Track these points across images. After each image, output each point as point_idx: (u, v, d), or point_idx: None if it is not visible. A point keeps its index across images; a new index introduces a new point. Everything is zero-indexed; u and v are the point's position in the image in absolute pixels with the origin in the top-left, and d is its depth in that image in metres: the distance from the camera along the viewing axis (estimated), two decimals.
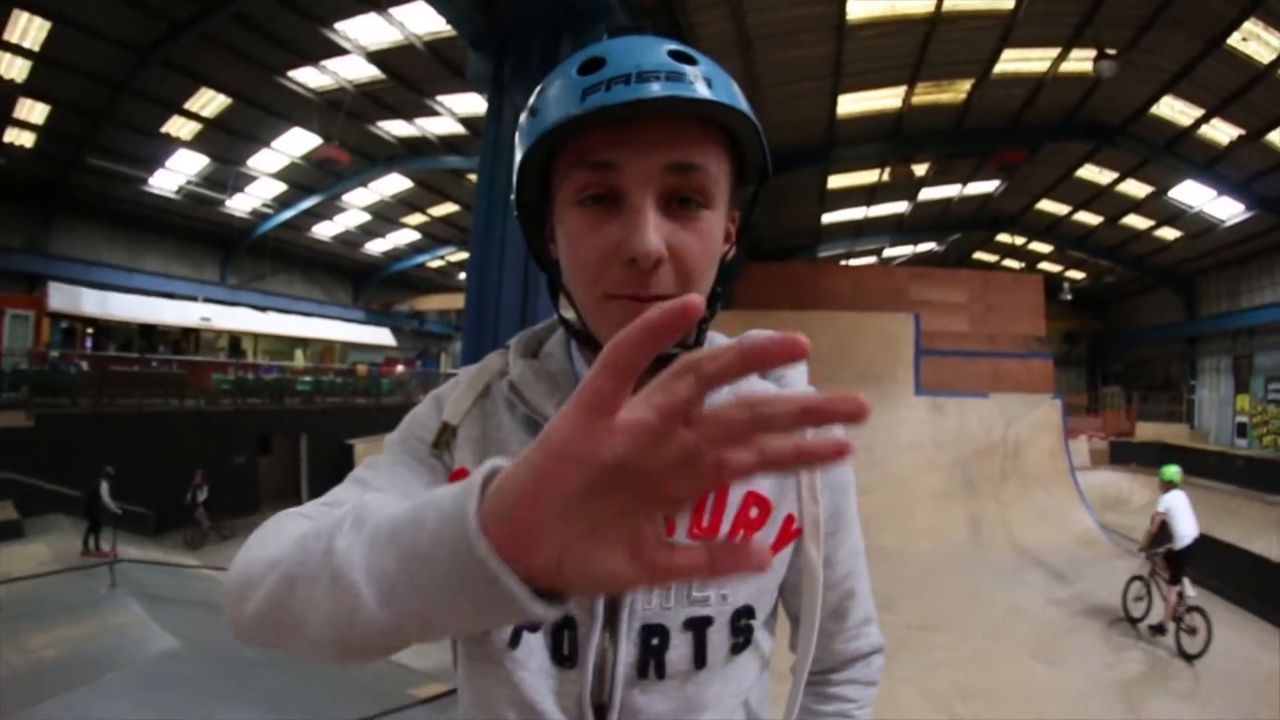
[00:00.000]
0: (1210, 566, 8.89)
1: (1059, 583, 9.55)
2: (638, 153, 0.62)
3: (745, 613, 0.72)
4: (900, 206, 19.58)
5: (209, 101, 13.77)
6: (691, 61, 0.63)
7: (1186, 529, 7.01)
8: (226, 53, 11.96)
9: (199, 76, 12.79)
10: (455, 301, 27.67)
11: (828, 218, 19.15)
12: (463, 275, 27.55)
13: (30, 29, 10.72)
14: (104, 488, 11.07)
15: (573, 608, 0.69)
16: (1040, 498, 12.00)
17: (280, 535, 0.58)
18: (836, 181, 16.57)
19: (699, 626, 0.70)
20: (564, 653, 0.70)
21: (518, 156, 0.68)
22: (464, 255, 24.93)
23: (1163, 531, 7.15)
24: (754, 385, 0.76)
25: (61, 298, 17.04)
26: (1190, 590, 6.96)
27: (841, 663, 0.87)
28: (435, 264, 26.79)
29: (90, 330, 18.53)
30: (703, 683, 0.71)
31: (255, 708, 6.01)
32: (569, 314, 0.74)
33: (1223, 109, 12.56)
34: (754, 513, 0.73)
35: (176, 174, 16.64)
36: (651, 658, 0.69)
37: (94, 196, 16.98)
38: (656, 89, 0.59)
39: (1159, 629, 7.23)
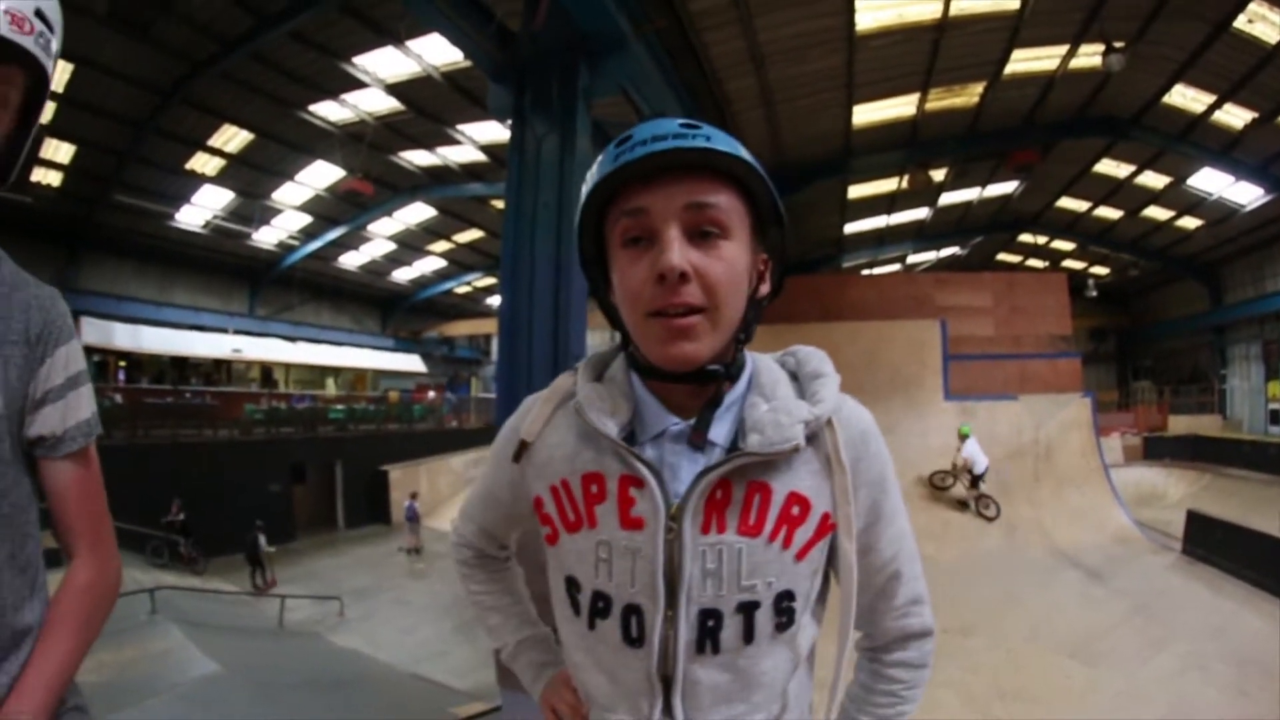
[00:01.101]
0: (1248, 558, 8.74)
1: (1095, 582, 9.45)
2: (661, 198, 0.80)
3: (787, 596, 0.83)
4: (921, 213, 19.55)
5: (231, 137, 14.11)
6: (696, 127, 0.81)
7: (980, 463, 11.21)
8: (247, 90, 12.27)
9: (221, 114, 13.13)
10: (484, 326, 28.02)
11: (850, 228, 19.18)
12: (490, 300, 27.82)
13: (55, 71, 11.12)
14: (261, 539, 13.38)
15: (638, 595, 0.82)
16: (1074, 497, 11.88)
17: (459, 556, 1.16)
18: (856, 191, 16.63)
19: (748, 609, 0.82)
20: (632, 635, 0.84)
21: (576, 217, 0.89)
22: (490, 280, 25.25)
23: (966, 467, 11.36)
24: (788, 403, 0.85)
25: (94, 332, 17.39)
26: (984, 487, 11.33)
27: (892, 641, 0.95)
28: (462, 290, 27.03)
29: (123, 364, 18.90)
30: (752, 656, 0.83)
31: None
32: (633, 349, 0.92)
33: (1234, 93, 12.43)
34: (795, 510, 0.83)
35: (202, 209, 17.01)
36: (707, 637, 0.82)
37: (121, 233, 17.39)
38: (663, 145, 0.78)
39: (965, 504, 11.48)
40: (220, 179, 15.69)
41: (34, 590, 0.97)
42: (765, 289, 0.90)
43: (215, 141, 14.20)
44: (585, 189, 0.84)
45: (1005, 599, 9.11)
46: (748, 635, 0.82)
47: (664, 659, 0.82)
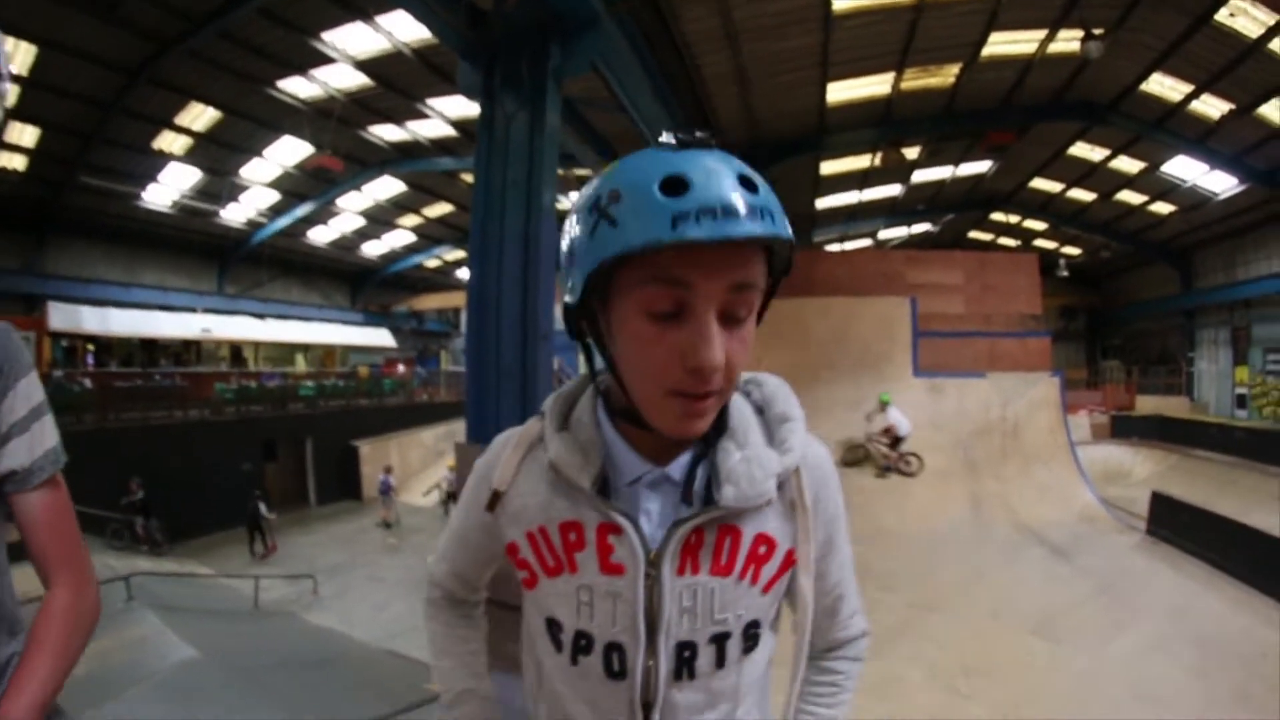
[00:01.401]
0: (1210, 540, 8.95)
1: (1060, 559, 9.67)
2: (709, 275, 0.71)
3: (754, 624, 0.90)
4: (894, 189, 19.62)
5: (199, 115, 13.79)
6: (755, 189, 0.71)
7: (904, 426, 11.59)
8: (215, 67, 11.97)
9: (188, 92, 12.81)
10: (453, 300, 27.85)
11: (821, 203, 19.21)
12: (459, 273, 27.67)
13: (17, 54, 10.76)
14: (262, 506, 13.92)
15: (620, 634, 0.86)
16: (1041, 475, 12.11)
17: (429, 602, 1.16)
18: (829, 168, 16.63)
19: (720, 639, 0.88)
20: (614, 669, 0.87)
21: (586, 256, 0.74)
22: (460, 254, 25.11)
23: (889, 432, 11.71)
24: (760, 452, 0.87)
25: (61, 317, 17.14)
26: (905, 448, 11.72)
27: (834, 645, 1.06)
28: (432, 264, 26.85)
29: (91, 347, 18.62)
30: (723, 677, 0.89)
31: (275, 711, 6.13)
32: (607, 388, 0.91)
33: (1212, 84, 12.56)
34: (762, 550, 0.88)
35: (169, 188, 16.69)
36: (684, 666, 0.87)
37: (88, 214, 17.03)
38: (737, 228, 0.68)
39: (886, 469, 11.77)
40: (188, 157, 15.35)
41: (13, 624, 1.00)
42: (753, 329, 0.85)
43: (182, 120, 13.85)
44: (610, 236, 0.71)
45: (970, 575, 9.29)
46: (720, 661, 0.88)
47: (645, 688, 0.87)
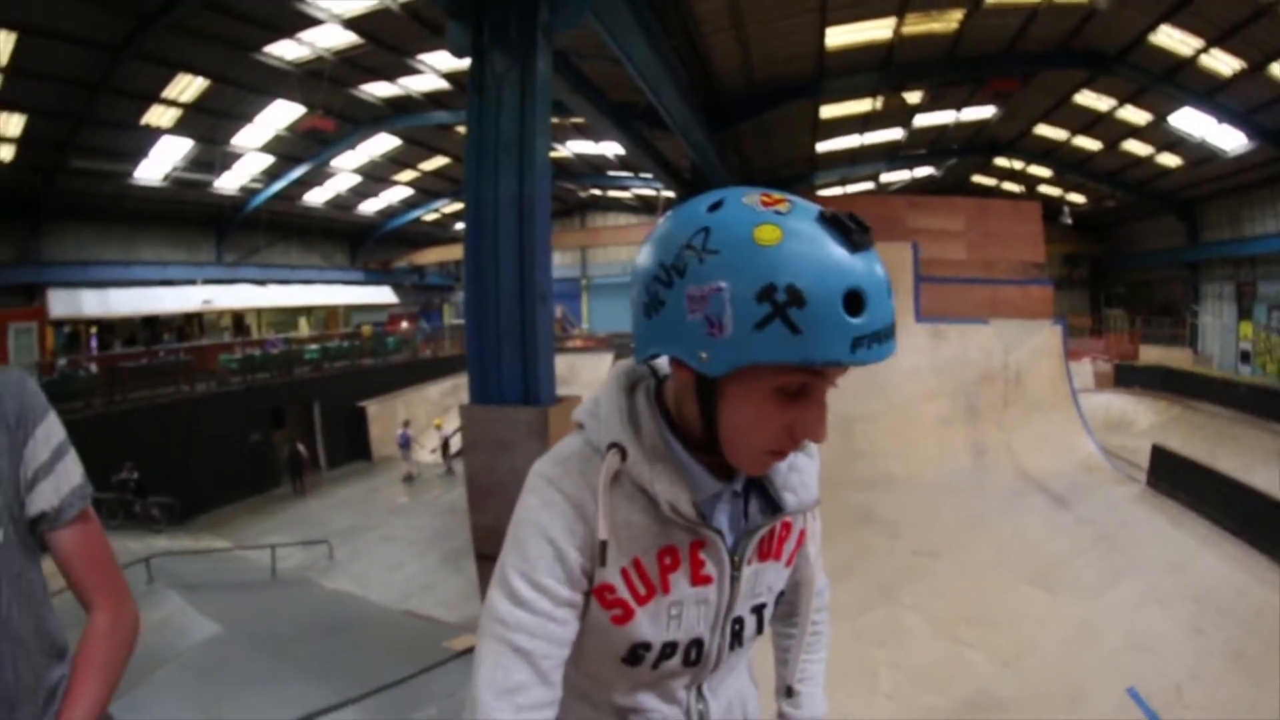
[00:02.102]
0: (1210, 496, 8.91)
1: (1061, 508, 9.76)
2: (837, 373, 0.77)
3: (780, 592, 1.03)
4: (896, 133, 19.27)
5: (187, 86, 13.56)
6: (891, 295, 0.74)
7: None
8: (199, 38, 11.74)
9: (174, 64, 12.60)
10: (454, 253, 27.64)
11: (822, 146, 18.88)
12: (458, 225, 27.59)
13: None
14: (300, 448, 15.80)
15: (701, 629, 0.94)
16: (1042, 423, 12.15)
17: None
18: (829, 111, 16.30)
19: (759, 609, 1.00)
20: (691, 659, 0.95)
21: (751, 349, 0.72)
22: (458, 206, 24.96)
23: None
24: (799, 460, 0.99)
25: (61, 304, 17.13)
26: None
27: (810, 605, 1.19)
28: (430, 217, 26.76)
29: (94, 330, 18.61)
30: (754, 639, 1.03)
31: (301, 682, 6.26)
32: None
33: (1223, 40, 12.21)
34: (785, 533, 1.00)
35: (162, 162, 16.52)
36: (735, 638, 0.98)
37: (81, 197, 16.88)
38: (893, 349, 0.74)
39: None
40: (178, 129, 15.18)
41: (60, 651, 1.08)
42: None
43: (170, 93, 13.65)
44: (792, 343, 0.70)
45: (972, 522, 9.41)
46: (759, 627, 1.01)
47: (715, 665, 0.99)
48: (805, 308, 0.69)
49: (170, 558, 9.96)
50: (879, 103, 15.83)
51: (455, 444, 16.83)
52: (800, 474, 0.97)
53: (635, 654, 0.91)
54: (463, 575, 10.14)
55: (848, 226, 0.73)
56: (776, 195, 0.77)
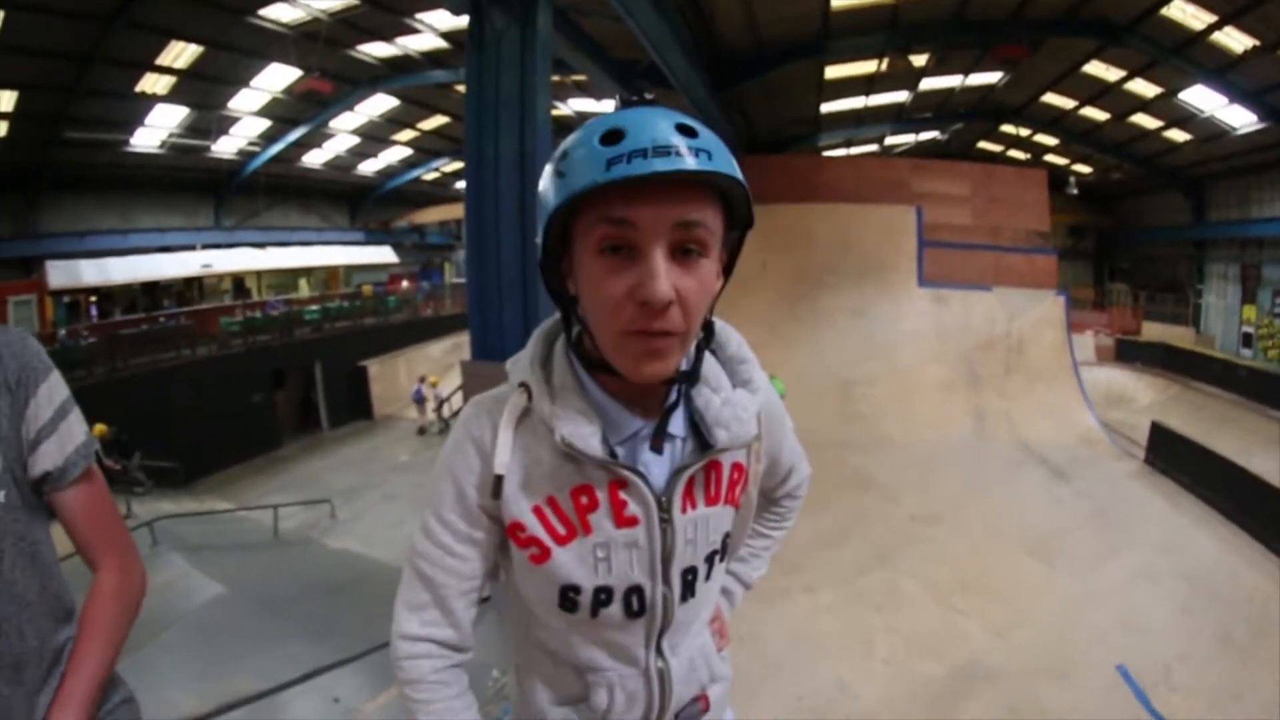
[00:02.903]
0: (1206, 477, 8.97)
1: (1059, 481, 9.79)
2: (650, 213, 0.75)
3: (727, 535, 1.00)
4: (901, 96, 18.87)
5: (180, 53, 13.32)
6: (693, 134, 0.76)
7: None
8: (191, 3, 11.51)
9: (167, 31, 12.37)
10: (454, 212, 27.48)
11: (826, 107, 18.53)
12: (459, 185, 27.32)
13: None
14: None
15: (636, 574, 0.92)
16: (1043, 393, 12.15)
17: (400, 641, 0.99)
18: (834, 72, 15.99)
19: (710, 557, 0.97)
20: (634, 609, 0.94)
21: (544, 209, 0.81)
22: (458, 165, 24.56)
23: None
24: (735, 395, 0.94)
25: (60, 274, 17.05)
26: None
27: (786, 493, 1.25)
28: (430, 176, 26.42)
29: (94, 299, 18.53)
30: (709, 587, 1.01)
31: (303, 640, 6.36)
32: (581, 340, 0.91)
33: (1237, 17, 11.94)
34: (735, 475, 0.97)
35: (157, 129, 16.30)
36: (687, 589, 0.96)
37: (77, 168, 16.69)
38: (666, 163, 0.72)
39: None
40: (173, 96, 14.91)
41: (66, 613, 1.07)
42: (719, 284, 0.88)
43: (164, 60, 13.39)
44: (559, 185, 0.78)
45: (971, 490, 9.45)
46: (709, 575, 0.99)
47: (663, 617, 0.96)
48: (568, 157, 0.78)
49: (174, 520, 10.04)
50: (884, 64, 15.51)
51: (455, 403, 16.90)
52: (734, 408, 0.92)
53: (567, 598, 0.91)
54: None
55: (628, 99, 0.77)
56: None
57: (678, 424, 0.92)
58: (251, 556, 9.74)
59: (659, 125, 0.75)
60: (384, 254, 27.22)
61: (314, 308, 20.39)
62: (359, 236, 26.92)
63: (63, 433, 1.04)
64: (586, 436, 0.86)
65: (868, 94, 17.99)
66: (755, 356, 1.01)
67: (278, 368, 17.52)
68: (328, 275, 25.62)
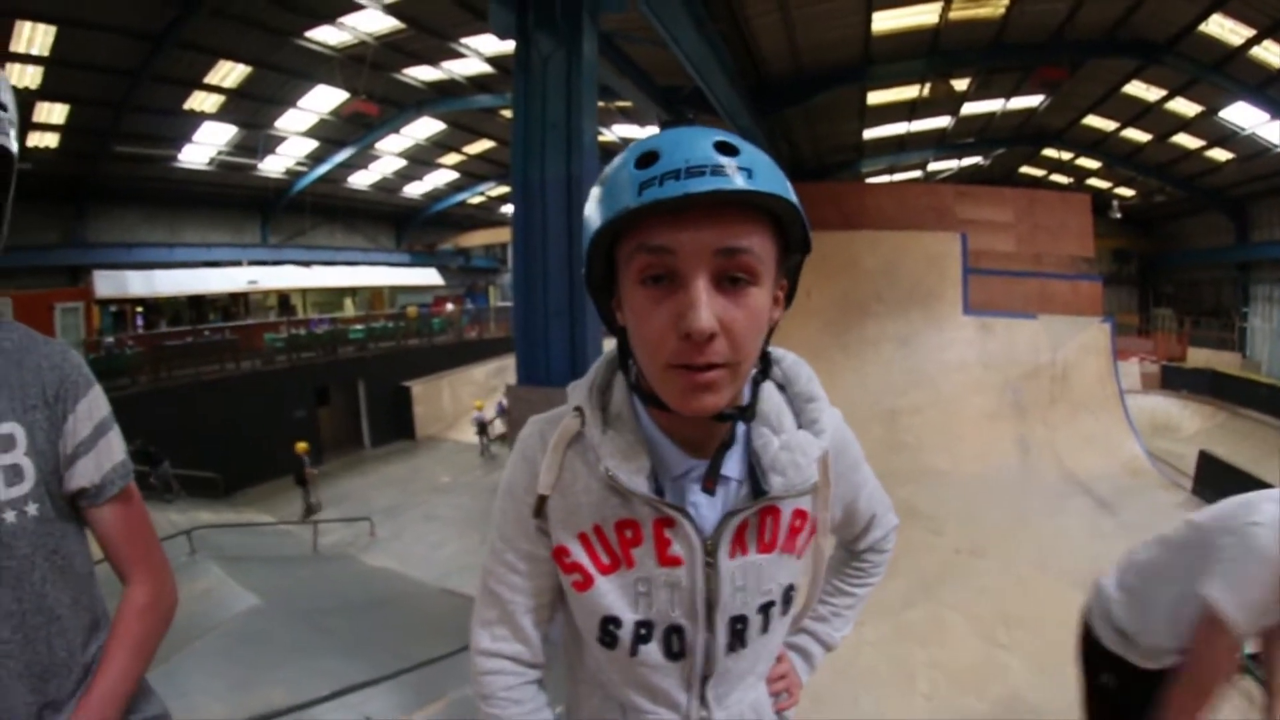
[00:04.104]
0: None
1: (1105, 512, 9.52)
2: (690, 239, 0.71)
3: (791, 587, 0.95)
4: (943, 121, 18.84)
5: (229, 73, 13.74)
6: (734, 152, 0.71)
7: None
8: (240, 23, 11.87)
9: (215, 50, 12.78)
10: (499, 236, 27.80)
11: (869, 133, 18.59)
12: (504, 209, 27.67)
13: (36, 36, 10.87)
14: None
15: (680, 618, 0.89)
16: (1088, 423, 11.85)
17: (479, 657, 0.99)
18: (876, 98, 16.01)
19: (766, 608, 0.92)
20: (674, 650, 0.91)
21: (586, 235, 0.78)
22: (504, 189, 25.10)
23: None
24: (797, 438, 0.89)
25: (107, 284, 17.52)
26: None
27: (870, 546, 1.17)
28: (475, 200, 26.79)
29: (140, 309, 19.02)
30: (765, 640, 0.95)
31: (337, 655, 6.34)
32: (638, 374, 0.87)
33: (1275, 31, 11.74)
34: (798, 523, 0.92)
35: (205, 146, 16.77)
36: (736, 638, 0.92)
37: (125, 181, 17.24)
38: (701, 184, 0.68)
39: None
40: (221, 115, 15.40)
41: (98, 626, 1.08)
42: (779, 314, 0.84)
43: (212, 79, 13.85)
44: (596, 211, 0.75)
45: (1016, 521, 9.22)
46: (765, 627, 0.93)
47: (705, 663, 0.92)
48: (607, 182, 0.75)
49: (212, 530, 10.17)
50: (926, 89, 15.49)
51: (496, 428, 16.98)
52: (793, 452, 0.87)
53: (608, 630, 0.90)
54: None
55: (666, 120, 0.73)
56: None
57: (733, 465, 0.88)
58: (289, 569, 9.81)
59: (696, 144, 0.71)
60: (429, 276, 27.53)
61: (359, 327, 20.68)
62: (405, 258, 27.27)
63: (101, 450, 1.05)
64: (632, 472, 0.84)
65: (909, 119, 17.97)
66: (824, 395, 0.95)
67: (321, 385, 17.76)
68: (372, 295, 25.97)
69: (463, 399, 19.79)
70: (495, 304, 29.17)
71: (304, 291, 23.62)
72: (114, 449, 1.07)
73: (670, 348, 0.73)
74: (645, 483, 0.84)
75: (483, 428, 17.07)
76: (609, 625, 0.90)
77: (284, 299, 23.38)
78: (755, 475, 0.88)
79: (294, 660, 6.17)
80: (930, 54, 13.58)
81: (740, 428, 0.88)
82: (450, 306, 26.72)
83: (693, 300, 0.71)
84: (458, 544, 11.55)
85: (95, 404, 1.05)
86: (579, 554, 0.89)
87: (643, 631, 0.89)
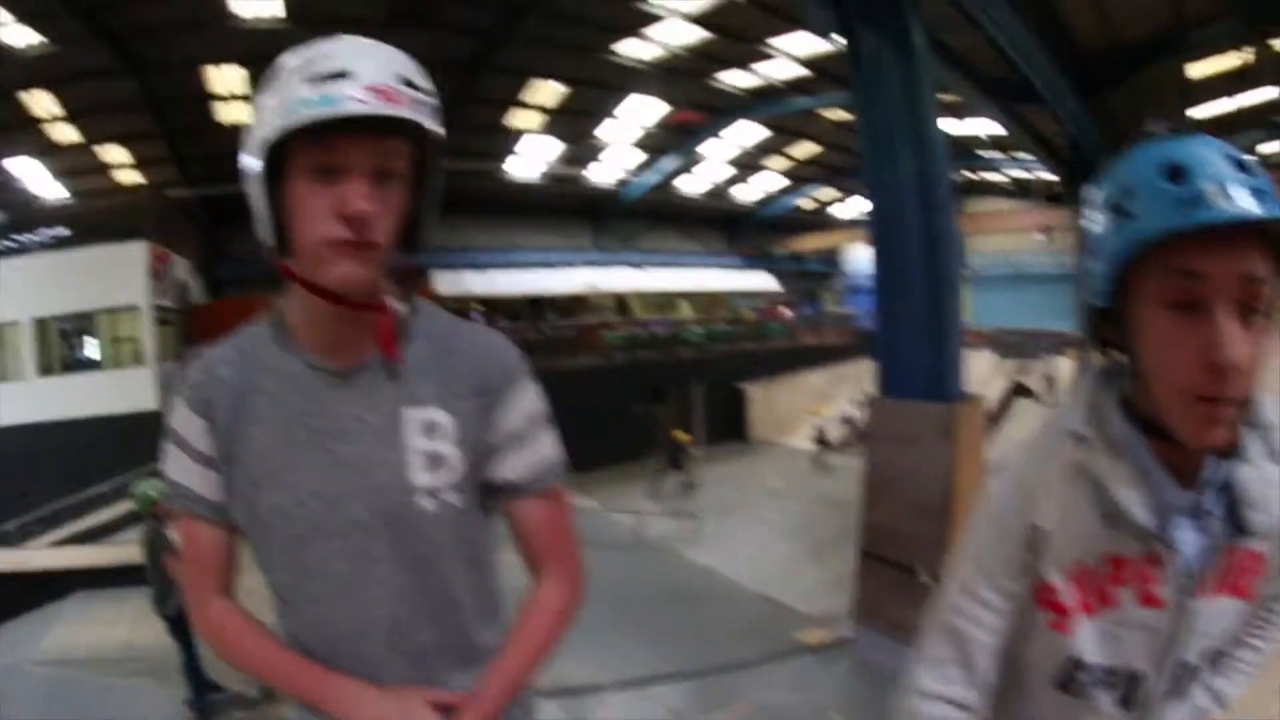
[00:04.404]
0: None
1: None
2: (1221, 265, 0.69)
3: (1238, 636, 0.90)
4: (1271, 93, 13.91)
5: (546, 91, 15.05)
6: (1249, 171, 0.69)
7: None
8: (548, 46, 12.92)
9: (528, 71, 14.05)
10: (831, 240, 27.59)
11: (1193, 113, 14.48)
12: (833, 211, 27.75)
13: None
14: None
15: (1141, 661, 0.85)
16: None
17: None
18: (1196, 70, 12.40)
19: (1215, 657, 0.88)
20: (1128, 700, 0.86)
21: (1101, 251, 0.76)
22: (833, 192, 25.17)
23: None
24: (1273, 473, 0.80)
25: (446, 283, 20.09)
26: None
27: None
28: (806, 204, 26.67)
29: (480, 307, 21.33)
30: (1203, 694, 0.90)
31: (642, 644, 6.52)
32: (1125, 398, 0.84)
33: None
34: (1249, 563, 0.83)
35: (529, 159, 18.52)
36: (1177, 685, 0.87)
37: (456, 194, 19.64)
38: (1248, 209, 0.66)
39: None
40: (542, 129, 16.89)
41: (495, 616, 1.07)
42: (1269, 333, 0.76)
43: (528, 97, 15.25)
44: (1123, 226, 0.72)
45: None
46: (1207, 677, 0.89)
47: (1150, 714, 0.87)
48: (1131, 193, 0.72)
49: None
50: (1249, 55, 11.52)
51: (837, 438, 16.64)
52: (1272, 487, 0.81)
53: (1069, 674, 0.87)
54: (825, 569, 9.56)
55: (1170, 126, 0.58)
56: None
57: (1211, 499, 0.82)
58: (608, 555, 10.23)
59: (1215, 160, 0.69)
60: (763, 280, 27.91)
61: (696, 329, 21.56)
62: (736, 262, 27.82)
63: (531, 445, 1.02)
64: (1141, 506, 0.80)
65: (1233, 93, 13.55)
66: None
67: (657, 383, 18.68)
68: (708, 298, 26.85)
69: (797, 404, 19.52)
70: (830, 308, 28.92)
71: (639, 294, 25.05)
72: (544, 445, 1.04)
73: (1193, 378, 0.71)
74: (1147, 516, 0.80)
75: (821, 437, 16.66)
76: (1073, 669, 0.86)
77: (620, 300, 25.01)
78: (1232, 512, 0.81)
79: (596, 642, 6.38)
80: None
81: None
82: (785, 311, 26.73)
83: (1225, 331, 0.69)
84: (784, 550, 11.26)
85: (528, 396, 1.03)
86: (1064, 591, 0.85)
87: (1108, 678, 0.86)
